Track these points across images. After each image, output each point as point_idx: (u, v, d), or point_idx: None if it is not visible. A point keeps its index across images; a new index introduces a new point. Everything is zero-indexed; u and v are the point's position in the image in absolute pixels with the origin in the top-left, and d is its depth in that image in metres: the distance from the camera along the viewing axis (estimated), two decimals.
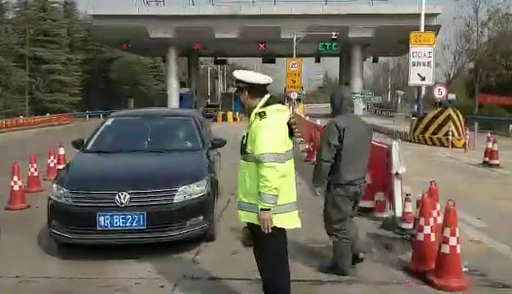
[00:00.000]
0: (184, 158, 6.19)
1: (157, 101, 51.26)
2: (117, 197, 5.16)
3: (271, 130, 3.62)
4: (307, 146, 15.45)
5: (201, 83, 65.90)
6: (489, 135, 14.36)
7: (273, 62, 57.22)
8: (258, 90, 3.77)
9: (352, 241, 4.95)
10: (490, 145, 13.31)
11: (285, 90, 40.59)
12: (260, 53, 50.51)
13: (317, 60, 58.46)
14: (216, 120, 40.00)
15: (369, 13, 40.57)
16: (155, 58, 65.09)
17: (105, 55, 58.66)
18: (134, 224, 5.14)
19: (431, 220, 5.04)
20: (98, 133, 6.78)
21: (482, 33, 40.68)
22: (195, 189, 5.49)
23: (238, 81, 3.82)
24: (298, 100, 40.92)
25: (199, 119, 7.17)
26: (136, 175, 5.60)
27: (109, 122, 7.01)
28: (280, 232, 3.69)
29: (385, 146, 7.24)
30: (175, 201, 5.33)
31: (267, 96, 3.78)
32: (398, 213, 6.73)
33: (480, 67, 38.99)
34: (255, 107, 3.76)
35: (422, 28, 22.54)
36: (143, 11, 42.39)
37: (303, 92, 48.60)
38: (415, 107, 24.25)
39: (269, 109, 3.70)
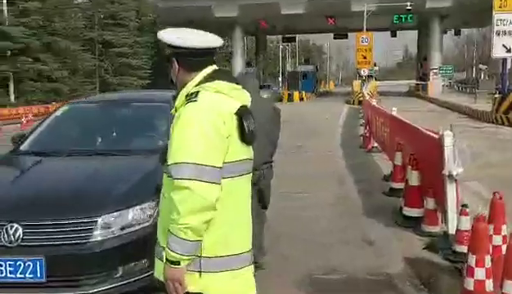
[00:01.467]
0: (135, 163, 4.20)
1: None
2: (4, 232, 3.36)
3: (197, 121, 2.02)
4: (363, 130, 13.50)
5: (269, 63, 64.37)
6: None
7: (345, 37, 54.71)
8: (194, 58, 2.17)
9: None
10: None
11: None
12: (330, 28, 48.50)
13: (393, 34, 55.00)
14: (281, 100, 38.16)
15: None
16: (225, 38, 64.39)
17: None
18: (28, 276, 3.29)
19: (487, 258, 3.25)
20: (42, 127, 5.07)
21: None
22: (136, 217, 3.53)
23: (167, 46, 2.19)
24: (370, 76, 38.51)
25: None
26: (41, 197, 3.66)
27: (60, 111, 5.34)
28: None
29: (436, 135, 5.35)
30: (94, 238, 3.40)
31: (209, 69, 2.18)
32: (451, 229, 4.86)
33: None
34: (185, 85, 2.17)
35: None
36: None
37: (376, 68, 45.74)
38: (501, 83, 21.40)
39: (206, 88, 2.10)
